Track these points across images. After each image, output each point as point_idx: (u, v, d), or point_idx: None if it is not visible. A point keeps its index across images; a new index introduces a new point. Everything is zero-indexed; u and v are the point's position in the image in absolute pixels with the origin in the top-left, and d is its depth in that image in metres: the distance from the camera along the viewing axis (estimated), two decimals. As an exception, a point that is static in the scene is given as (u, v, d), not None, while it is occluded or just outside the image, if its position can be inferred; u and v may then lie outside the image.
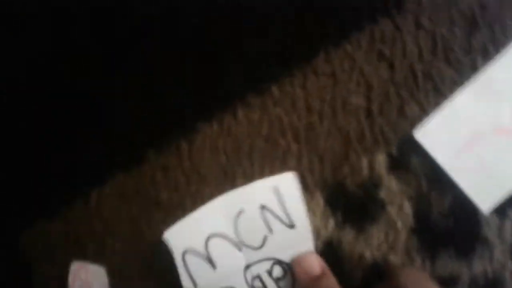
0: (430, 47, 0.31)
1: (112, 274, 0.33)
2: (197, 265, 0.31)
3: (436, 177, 0.29)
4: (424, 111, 0.30)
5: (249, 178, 0.32)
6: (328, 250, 0.31)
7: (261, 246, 0.31)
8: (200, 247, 0.31)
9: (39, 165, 0.34)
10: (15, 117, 0.34)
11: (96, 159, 0.33)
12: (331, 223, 0.31)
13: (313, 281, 0.29)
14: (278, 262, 0.31)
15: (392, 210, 0.30)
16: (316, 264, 0.29)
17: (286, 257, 0.31)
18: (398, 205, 0.30)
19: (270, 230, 0.31)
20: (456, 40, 0.31)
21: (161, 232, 0.32)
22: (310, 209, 0.31)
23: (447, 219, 0.30)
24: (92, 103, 0.33)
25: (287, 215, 0.31)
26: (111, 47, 0.34)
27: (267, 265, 0.31)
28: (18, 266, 0.34)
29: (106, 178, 0.33)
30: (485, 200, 0.28)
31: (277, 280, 0.31)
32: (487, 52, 0.30)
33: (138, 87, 0.33)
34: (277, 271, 0.31)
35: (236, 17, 0.32)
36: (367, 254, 0.30)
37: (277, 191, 0.31)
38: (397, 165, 0.30)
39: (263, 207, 0.31)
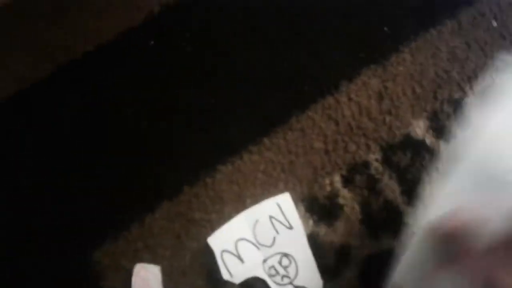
0: (358, 111, 0.51)
1: (166, 273, 0.46)
2: (231, 261, 0.45)
3: (372, 186, 0.48)
4: (359, 147, 0.49)
5: (254, 199, 0.48)
6: (311, 240, 0.47)
7: (272, 244, 0.46)
8: (232, 248, 0.45)
9: (106, 196, 0.47)
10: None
11: (148, 192, 0.48)
12: (311, 222, 0.47)
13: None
14: (285, 254, 0.46)
15: (347, 210, 0.47)
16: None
17: (290, 250, 0.46)
18: (351, 206, 0.47)
19: (277, 232, 0.46)
20: (371, 107, 0.51)
21: (197, 241, 0.46)
22: (299, 215, 0.47)
23: (382, 211, 0.47)
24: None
25: (287, 220, 0.47)
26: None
27: (277, 257, 0.46)
28: (90, 277, 0.45)
29: (155, 206, 0.47)
30: None
31: (285, 268, 0.46)
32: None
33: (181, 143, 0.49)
34: (285, 261, 0.46)
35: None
36: (335, 240, 0.47)
37: (279, 205, 0.47)
38: (347, 180, 0.48)
39: (271, 217, 0.47)
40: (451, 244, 0.33)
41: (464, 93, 0.51)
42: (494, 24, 0.54)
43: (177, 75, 0.52)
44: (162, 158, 0.49)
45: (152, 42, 0.53)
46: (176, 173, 0.48)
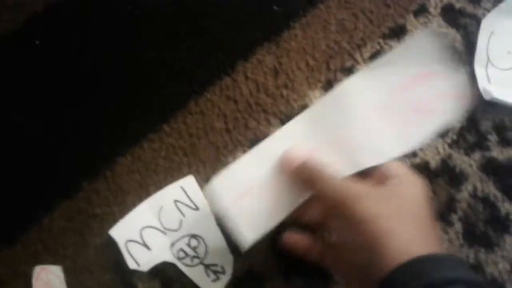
0: (255, 89, 0.51)
1: (69, 272, 0.43)
2: (137, 250, 0.44)
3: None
4: (259, 123, 0.50)
5: (157, 186, 0.47)
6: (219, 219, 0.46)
7: (179, 228, 0.45)
8: (137, 237, 0.44)
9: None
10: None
11: (44, 192, 0.45)
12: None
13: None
14: (193, 236, 0.45)
15: (252, 184, 0.47)
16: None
17: (198, 231, 0.45)
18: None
19: (183, 215, 0.46)
20: (268, 83, 0.52)
21: (100, 236, 0.45)
22: (205, 196, 0.46)
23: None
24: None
25: (193, 202, 0.46)
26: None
27: (185, 240, 0.45)
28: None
29: (53, 206, 0.45)
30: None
31: (194, 249, 0.45)
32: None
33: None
34: (194, 242, 0.45)
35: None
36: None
37: (183, 189, 0.46)
38: (250, 156, 0.48)
39: (176, 201, 0.46)
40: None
41: (355, 61, 0.53)
42: (378, -6, 0.57)
43: (69, 72, 0.51)
44: (56, 155, 0.47)
45: (38, 42, 0.51)
46: (73, 169, 0.47)
